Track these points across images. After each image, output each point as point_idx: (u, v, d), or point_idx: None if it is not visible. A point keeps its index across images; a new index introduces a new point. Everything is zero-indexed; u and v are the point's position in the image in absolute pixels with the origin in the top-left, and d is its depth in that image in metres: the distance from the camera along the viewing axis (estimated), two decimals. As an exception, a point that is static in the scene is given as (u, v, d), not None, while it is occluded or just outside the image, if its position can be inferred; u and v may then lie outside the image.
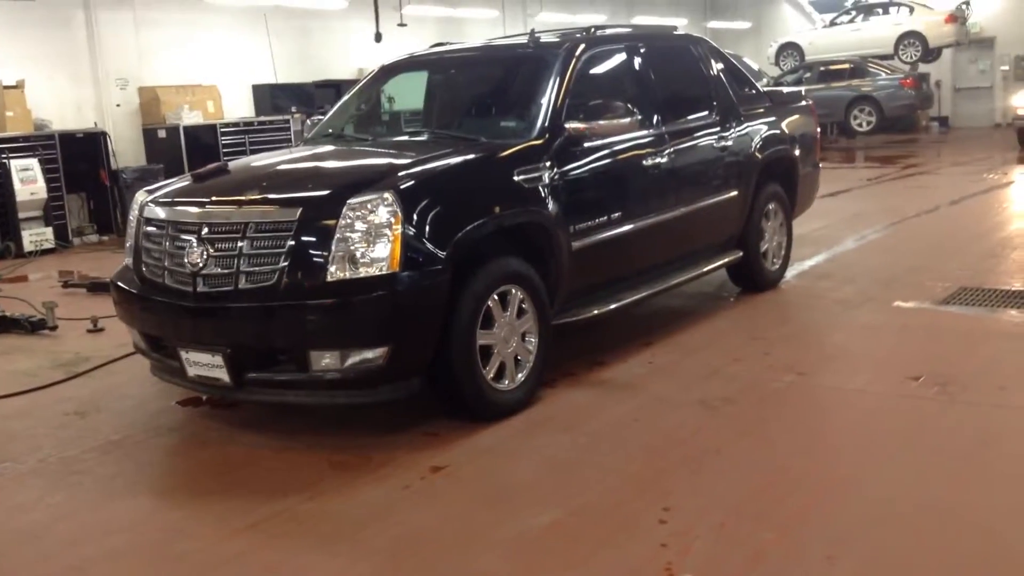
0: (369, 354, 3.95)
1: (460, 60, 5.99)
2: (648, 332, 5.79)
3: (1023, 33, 23.04)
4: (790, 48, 22.13)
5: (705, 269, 6.04)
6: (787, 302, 6.56)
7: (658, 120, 5.64)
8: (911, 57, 20.39)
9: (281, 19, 14.92)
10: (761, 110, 6.76)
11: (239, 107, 14.39)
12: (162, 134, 12.83)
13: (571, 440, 4.20)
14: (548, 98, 4.97)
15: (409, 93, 6.04)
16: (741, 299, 6.63)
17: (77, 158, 11.61)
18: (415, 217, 4.01)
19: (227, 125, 13.16)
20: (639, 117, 5.54)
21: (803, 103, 7.43)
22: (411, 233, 3.98)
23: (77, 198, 11.83)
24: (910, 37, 20.24)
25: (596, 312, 5.06)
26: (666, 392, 4.76)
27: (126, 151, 12.86)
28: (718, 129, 6.16)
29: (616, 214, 5.13)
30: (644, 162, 5.41)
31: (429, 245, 4.03)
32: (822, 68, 20.26)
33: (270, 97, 14.54)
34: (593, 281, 5.17)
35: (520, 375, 4.54)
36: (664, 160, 5.55)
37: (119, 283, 4.64)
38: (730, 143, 6.21)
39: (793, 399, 4.58)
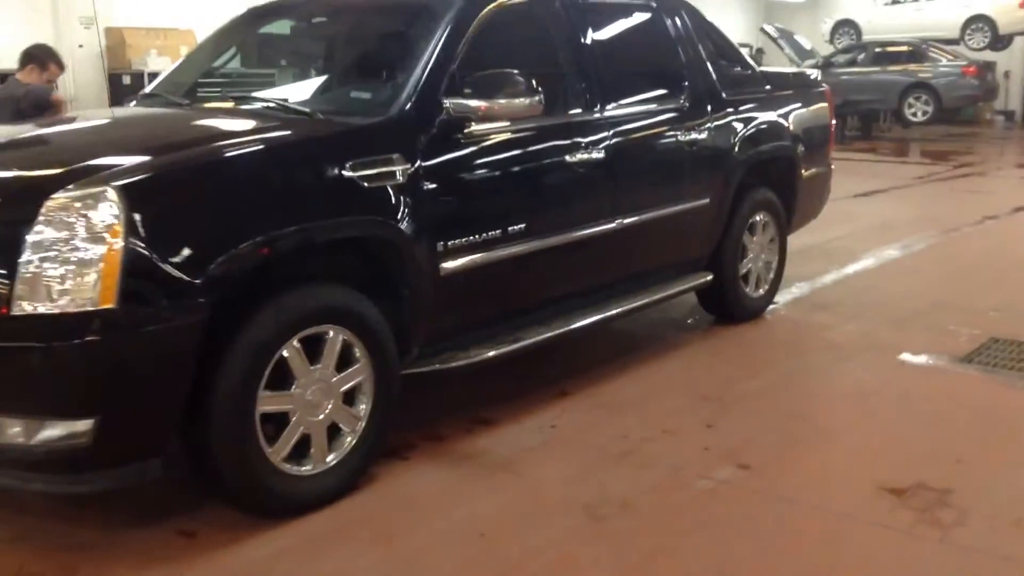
0: (67, 428, 2.67)
1: (333, 6, 4.62)
2: (570, 374, 4.45)
3: (1107, 23, 20.90)
4: (846, 26, 20.32)
5: (656, 297, 4.67)
6: (766, 342, 5.16)
7: (596, 102, 4.25)
8: (978, 43, 18.49)
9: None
10: (755, 96, 5.33)
11: (220, 56, 13.11)
12: (127, 80, 11.67)
13: (377, 562, 2.90)
14: (421, 63, 3.62)
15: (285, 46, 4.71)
16: (709, 332, 5.25)
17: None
18: (149, 227, 2.70)
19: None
20: (566, 97, 4.19)
21: (816, 89, 5.96)
22: (139, 250, 2.67)
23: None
24: (978, 21, 18.33)
25: (478, 357, 3.73)
26: (549, 483, 3.43)
27: (87, 98, 11.70)
28: (686, 118, 4.75)
29: (517, 225, 3.78)
30: (567, 157, 4.04)
31: (171, 269, 2.72)
32: (878, 50, 18.44)
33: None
34: (479, 315, 3.84)
35: (334, 454, 3.24)
36: (599, 155, 4.17)
37: None
38: (702, 136, 4.80)
39: (718, 514, 3.22)
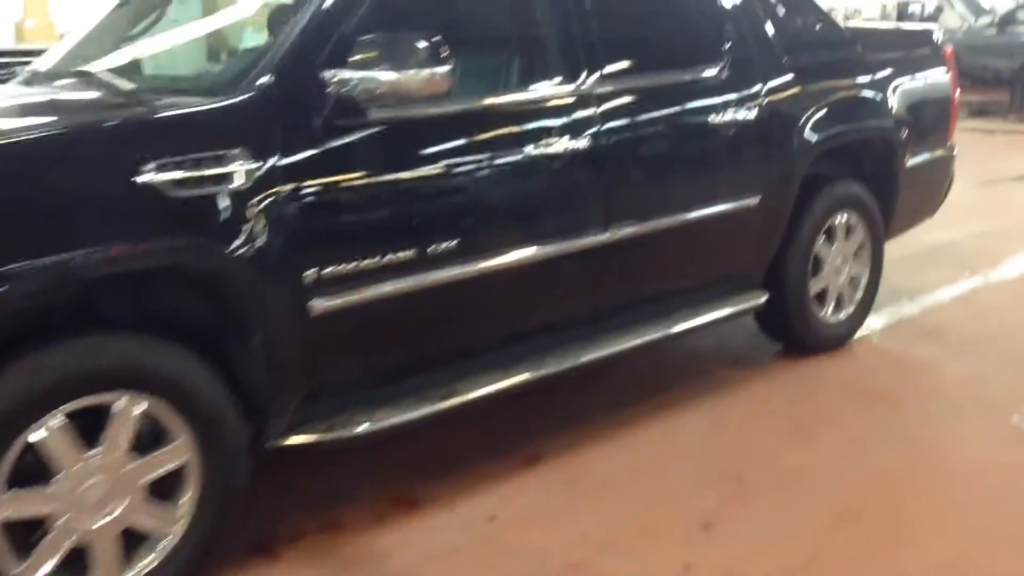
0: None
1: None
2: (554, 430, 3.40)
3: None
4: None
5: (677, 329, 3.53)
6: (840, 384, 3.93)
7: (580, 71, 3.16)
8: None
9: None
10: (836, 61, 4.08)
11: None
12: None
13: None
14: (291, 20, 2.63)
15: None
16: (766, 369, 4.06)
17: None
18: None
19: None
20: (532, 65, 3.14)
21: (930, 50, 4.59)
22: None
23: None
24: None
25: (382, 423, 2.74)
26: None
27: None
28: (724, 90, 3.57)
29: (442, 244, 2.76)
30: (529, 148, 2.98)
31: None
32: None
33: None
34: (387, 364, 2.85)
35: (135, 571, 2.35)
36: (580, 144, 3.09)
37: None
38: (748, 114, 3.62)
39: None
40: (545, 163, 2.99)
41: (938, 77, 4.56)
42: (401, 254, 2.66)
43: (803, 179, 3.86)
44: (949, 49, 4.66)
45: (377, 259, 2.60)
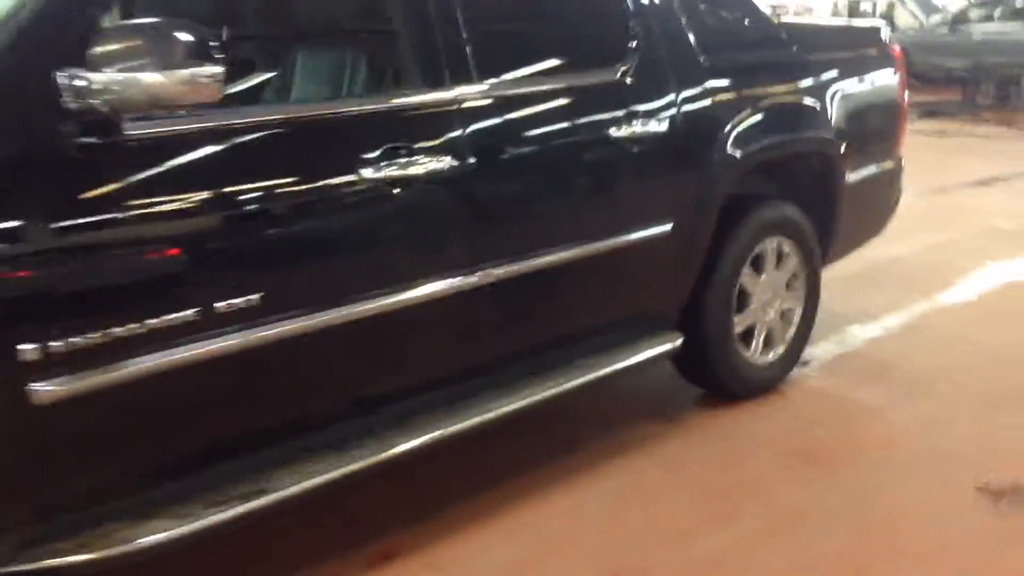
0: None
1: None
2: (414, 518, 2.78)
3: None
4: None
5: (566, 387, 2.91)
6: (767, 441, 3.34)
7: (442, 75, 2.53)
8: None
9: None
10: (766, 61, 3.50)
11: None
12: None
13: None
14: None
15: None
16: (682, 422, 3.46)
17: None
18: None
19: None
20: (375, 66, 2.52)
21: (877, 49, 4.03)
22: None
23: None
24: None
25: (147, 540, 2.08)
26: None
27: None
28: (628, 97, 2.97)
29: (240, 298, 2.12)
30: (371, 171, 2.34)
31: None
32: (1020, 3, 15.72)
33: None
34: (159, 458, 2.20)
35: None
36: (439, 165, 2.47)
37: None
38: (657, 126, 3.01)
39: None
40: (386, 190, 2.36)
41: (886, 80, 4.01)
42: (173, 315, 2.02)
43: (726, 201, 3.28)
44: (897, 49, 4.10)
45: (136, 325, 1.96)
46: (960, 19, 15.50)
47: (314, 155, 2.26)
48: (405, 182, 2.39)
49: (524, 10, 2.87)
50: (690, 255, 3.22)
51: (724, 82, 3.26)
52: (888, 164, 4.07)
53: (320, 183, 2.25)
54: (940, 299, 4.86)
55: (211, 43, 1.87)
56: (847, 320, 4.40)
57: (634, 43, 3.03)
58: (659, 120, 3.02)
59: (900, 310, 4.66)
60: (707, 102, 3.18)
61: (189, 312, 2.04)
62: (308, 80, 2.60)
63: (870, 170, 3.93)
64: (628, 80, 2.96)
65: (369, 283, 2.35)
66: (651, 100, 3.01)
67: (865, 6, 18.69)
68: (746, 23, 3.51)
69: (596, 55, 2.97)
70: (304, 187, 2.23)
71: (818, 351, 4.04)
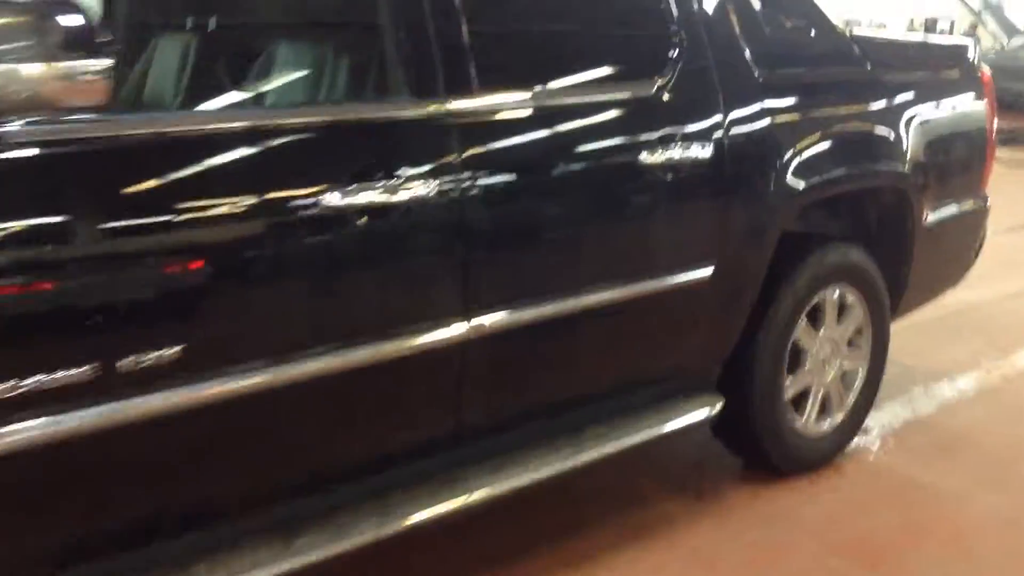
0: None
1: None
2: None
3: None
4: (1072, -3, 16.61)
5: (576, 462, 2.43)
6: (819, 534, 2.80)
7: (437, 83, 2.06)
8: None
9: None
10: (833, 80, 2.98)
11: None
12: None
13: None
14: None
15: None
16: (727, 498, 2.95)
17: None
18: None
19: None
20: (350, 70, 2.07)
21: (956, 72, 3.48)
22: None
23: None
24: None
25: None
26: None
27: None
28: (662, 117, 2.47)
29: (155, 353, 1.68)
30: (339, 197, 1.89)
31: None
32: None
33: None
34: (50, 543, 1.76)
35: None
36: (424, 191, 2.00)
37: None
38: (703, 152, 2.52)
39: None
40: (355, 220, 1.90)
41: (971, 106, 3.46)
42: (63, 374, 1.58)
43: (780, 241, 2.76)
44: (986, 73, 3.55)
45: (9, 384, 1.52)
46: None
47: (259, 175, 1.81)
48: (381, 210, 1.92)
49: (541, 8, 2.39)
50: (735, 304, 2.72)
51: (783, 102, 2.75)
52: (971, 204, 3.51)
53: (262, 210, 1.79)
54: (1022, 357, 4.27)
55: (101, 32, 1.42)
56: (916, 378, 3.85)
57: (675, 52, 2.53)
58: (702, 144, 2.52)
59: (976, 369, 4.09)
60: (761, 125, 2.67)
61: (83, 369, 1.60)
62: (263, 82, 2.16)
63: (950, 210, 3.38)
64: (665, 96, 2.47)
65: (331, 335, 1.90)
66: (693, 121, 2.52)
67: (943, 24, 17.87)
68: (812, 34, 2.99)
69: (628, 65, 2.49)
70: (239, 216, 1.77)
71: (882, 416, 3.50)
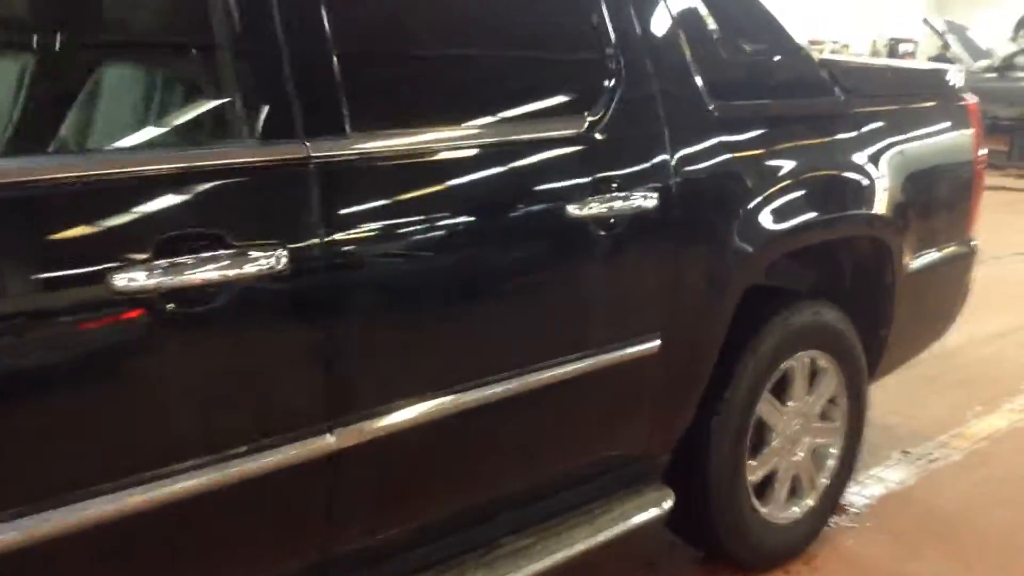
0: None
1: None
2: None
3: None
4: (1037, 19, 16.46)
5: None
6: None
7: (294, 120, 1.59)
8: None
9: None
10: (802, 113, 2.55)
11: None
12: None
13: None
14: None
15: None
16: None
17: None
18: None
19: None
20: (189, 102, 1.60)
21: (937, 100, 3.06)
22: None
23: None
24: None
25: None
26: None
27: None
28: (600, 159, 2.03)
29: None
30: (160, 275, 1.40)
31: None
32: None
33: None
34: None
35: None
36: (281, 265, 1.51)
37: None
38: (646, 200, 2.06)
39: None
40: (183, 305, 1.43)
41: (955, 138, 3.05)
42: None
43: (739, 304, 2.32)
44: (971, 100, 3.14)
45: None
46: (1009, 65, 14.49)
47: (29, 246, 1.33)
48: (204, 292, 1.45)
49: (440, 30, 1.92)
50: (687, 380, 2.27)
51: (741, 138, 2.32)
52: (956, 248, 3.10)
53: (33, 298, 1.31)
54: (1009, 411, 3.86)
55: None
56: (893, 441, 3.44)
57: (612, 82, 2.08)
58: (644, 191, 2.07)
59: (961, 426, 3.69)
60: (715, 166, 2.24)
61: None
62: (60, 122, 1.68)
63: (932, 257, 2.96)
64: (598, 135, 2.02)
65: (158, 454, 1.43)
66: (633, 163, 2.08)
67: (905, 47, 17.67)
68: (776, 59, 2.56)
69: (551, 98, 2.04)
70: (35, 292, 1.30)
71: (859, 492, 3.06)
